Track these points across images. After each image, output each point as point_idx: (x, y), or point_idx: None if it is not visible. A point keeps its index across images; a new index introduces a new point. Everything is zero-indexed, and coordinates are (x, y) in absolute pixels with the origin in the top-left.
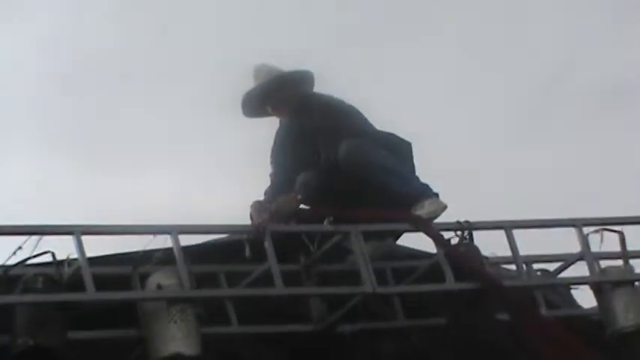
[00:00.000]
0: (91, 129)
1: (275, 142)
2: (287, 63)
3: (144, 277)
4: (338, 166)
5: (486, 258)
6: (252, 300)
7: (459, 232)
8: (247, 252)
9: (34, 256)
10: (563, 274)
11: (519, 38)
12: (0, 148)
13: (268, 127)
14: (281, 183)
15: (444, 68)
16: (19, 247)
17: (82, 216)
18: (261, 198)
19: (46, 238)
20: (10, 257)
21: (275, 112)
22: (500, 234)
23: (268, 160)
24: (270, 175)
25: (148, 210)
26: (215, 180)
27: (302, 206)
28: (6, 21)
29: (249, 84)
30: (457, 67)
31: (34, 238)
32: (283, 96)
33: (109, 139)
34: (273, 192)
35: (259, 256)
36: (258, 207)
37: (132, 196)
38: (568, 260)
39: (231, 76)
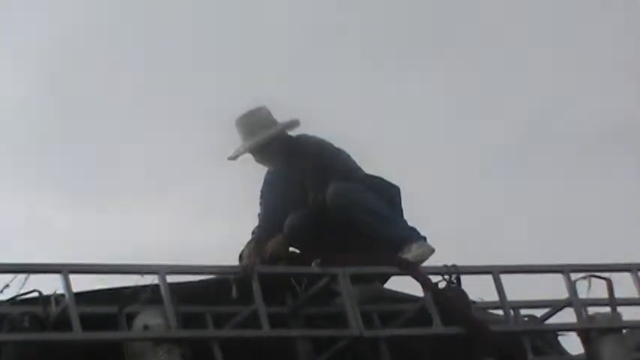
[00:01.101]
0: (81, 167)
1: (264, 183)
2: (268, 107)
3: (131, 317)
4: (326, 207)
5: (474, 302)
6: (239, 341)
7: (446, 276)
8: (234, 292)
9: (21, 295)
10: (551, 320)
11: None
12: None
13: (258, 167)
14: (269, 223)
15: (426, 110)
16: (6, 285)
17: (71, 252)
18: (249, 237)
19: (33, 275)
20: None
21: (262, 162)
22: (488, 279)
23: (257, 200)
24: (259, 215)
25: (137, 248)
26: (204, 220)
27: (290, 249)
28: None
29: (233, 134)
30: (437, 110)
31: (22, 276)
32: (271, 151)
33: (99, 177)
34: (261, 232)
35: (247, 297)
36: (247, 250)
37: (121, 234)
38: (556, 306)
39: (217, 122)
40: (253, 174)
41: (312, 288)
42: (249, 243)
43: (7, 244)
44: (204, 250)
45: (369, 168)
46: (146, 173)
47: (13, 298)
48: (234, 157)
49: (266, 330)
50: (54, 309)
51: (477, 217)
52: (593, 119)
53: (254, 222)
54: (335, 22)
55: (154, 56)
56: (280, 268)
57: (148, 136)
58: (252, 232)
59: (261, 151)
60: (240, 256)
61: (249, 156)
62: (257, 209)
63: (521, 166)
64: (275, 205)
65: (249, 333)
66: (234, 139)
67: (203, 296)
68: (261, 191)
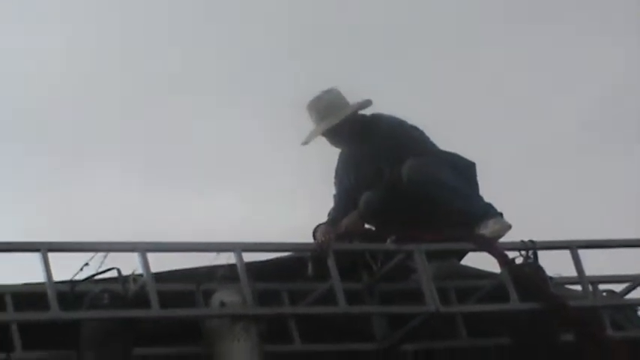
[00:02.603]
0: (160, 147)
1: (339, 163)
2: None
3: (207, 294)
4: (401, 184)
5: (551, 278)
6: (315, 318)
7: (523, 252)
8: (310, 270)
9: (101, 273)
10: (631, 295)
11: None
12: (71, 163)
13: (332, 149)
14: (344, 203)
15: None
16: (86, 264)
17: (148, 233)
18: (325, 219)
19: (112, 254)
20: (77, 274)
21: (336, 145)
22: (566, 254)
23: (332, 181)
24: (334, 196)
25: (212, 231)
26: (278, 203)
27: (366, 225)
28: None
29: (306, 117)
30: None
31: (101, 254)
32: (344, 132)
33: (177, 158)
34: (336, 212)
35: (322, 274)
36: (323, 227)
37: (196, 216)
38: (635, 281)
39: (289, 103)
40: (327, 156)
41: (388, 264)
42: (324, 222)
43: (84, 224)
44: (279, 233)
45: (443, 144)
46: (218, 153)
47: (92, 276)
48: (307, 142)
49: (342, 306)
50: (132, 287)
51: (552, 192)
52: None
53: (330, 204)
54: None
55: (232, 38)
56: (356, 245)
57: (221, 113)
58: (328, 214)
59: (334, 134)
60: (314, 233)
61: (322, 139)
62: (332, 191)
63: (597, 142)
64: (350, 185)
65: (325, 309)
66: (307, 123)
67: (279, 273)
68: (336, 171)
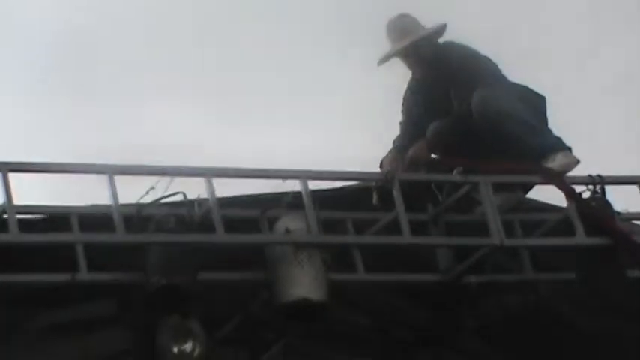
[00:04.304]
0: (225, 79)
1: (407, 90)
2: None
3: (272, 221)
4: (471, 115)
5: (618, 213)
6: (379, 247)
7: (590, 187)
8: (375, 199)
9: (167, 197)
10: None
11: None
12: (144, 90)
13: (400, 77)
14: (411, 132)
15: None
16: (152, 188)
17: (212, 162)
18: (390, 147)
19: (177, 180)
20: (142, 197)
21: (412, 67)
22: (634, 189)
23: (400, 107)
24: (400, 124)
25: (279, 158)
26: (345, 132)
27: (432, 155)
28: None
29: (382, 38)
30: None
31: (167, 179)
32: (420, 55)
33: (244, 90)
34: (402, 141)
35: (387, 204)
36: (390, 157)
37: (262, 147)
38: None
39: (362, 24)
40: (395, 85)
41: (454, 196)
42: (390, 151)
43: (150, 151)
44: (346, 160)
45: (515, 77)
46: (289, 81)
47: (158, 200)
48: (384, 60)
49: (406, 237)
50: (197, 211)
51: (620, 128)
52: None
53: (396, 131)
54: None
55: None
56: (421, 176)
57: (292, 41)
58: (394, 142)
59: (411, 54)
60: (381, 164)
61: (395, 62)
62: (398, 118)
63: None
64: (418, 113)
65: (390, 239)
66: (384, 45)
67: (344, 202)
68: (404, 99)
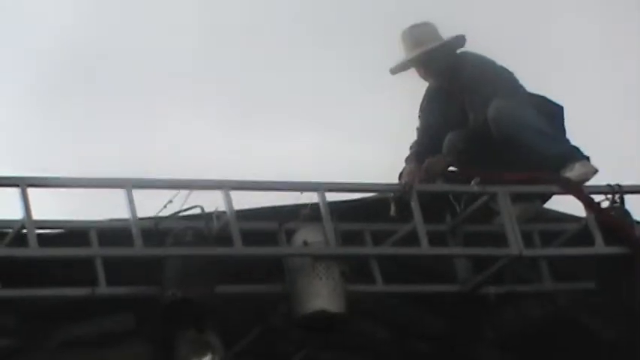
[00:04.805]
0: (240, 86)
1: (425, 98)
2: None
3: (290, 233)
4: (487, 126)
5: (638, 222)
6: (398, 258)
7: (609, 196)
8: (393, 210)
9: (184, 210)
10: None
11: None
12: (155, 103)
13: (416, 86)
14: (428, 139)
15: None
16: (170, 201)
17: (229, 173)
18: (407, 152)
19: (195, 193)
20: (160, 211)
21: (425, 76)
22: None
23: (417, 114)
24: (417, 129)
25: (294, 170)
26: (362, 141)
27: (450, 167)
28: None
29: (397, 48)
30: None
31: (184, 192)
32: (435, 64)
33: (258, 97)
34: (418, 146)
35: (405, 215)
36: (408, 168)
37: (278, 155)
38: None
39: (377, 36)
40: (411, 95)
41: (472, 206)
42: (407, 159)
43: (166, 164)
44: (362, 171)
45: (532, 86)
46: (303, 89)
47: (176, 214)
48: (397, 70)
49: (425, 248)
50: (216, 224)
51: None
52: None
53: (412, 137)
54: None
55: None
56: (439, 186)
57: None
58: (410, 147)
59: (425, 64)
60: (400, 175)
61: (409, 72)
62: (416, 124)
63: None
64: (435, 122)
65: (408, 250)
66: (398, 54)
67: (362, 214)
68: (421, 106)
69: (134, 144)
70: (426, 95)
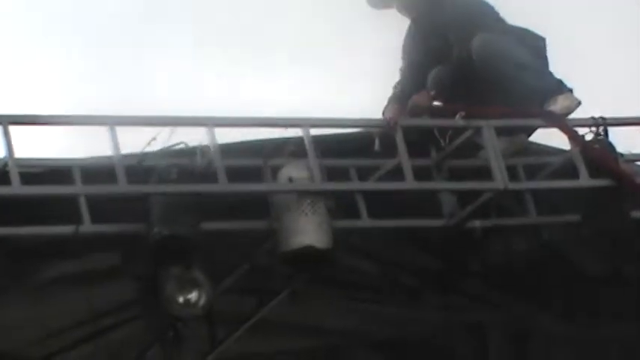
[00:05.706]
0: (223, 29)
1: (406, 37)
2: None
3: (275, 170)
4: (471, 60)
5: (622, 155)
6: (383, 194)
7: (593, 129)
8: (377, 146)
9: (168, 147)
10: None
11: None
12: (148, 39)
13: (400, 24)
14: (411, 77)
15: None
16: (153, 138)
17: (215, 110)
18: (390, 92)
19: (179, 131)
20: (144, 148)
21: (403, 12)
22: (637, 130)
23: (399, 54)
24: (400, 70)
25: (282, 107)
26: (347, 82)
27: (435, 102)
28: None
29: None
30: None
31: (168, 129)
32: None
33: (244, 39)
34: (402, 86)
35: (390, 150)
36: (392, 104)
37: (265, 96)
38: None
39: None
40: (395, 35)
41: (456, 141)
42: (390, 98)
43: (153, 100)
44: (348, 110)
45: (513, 19)
46: (289, 29)
47: (160, 150)
48: (375, 5)
49: (410, 182)
50: (200, 161)
51: (626, 67)
52: None
53: (396, 77)
54: None
55: None
56: (424, 121)
57: None
58: (394, 87)
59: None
60: (384, 112)
61: (390, 12)
62: (398, 64)
63: None
64: (418, 59)
65: (393, 185)
66: None
67: (347, 149)
68: (403, 45)
69: (119, 85)
70: (407, 33)
